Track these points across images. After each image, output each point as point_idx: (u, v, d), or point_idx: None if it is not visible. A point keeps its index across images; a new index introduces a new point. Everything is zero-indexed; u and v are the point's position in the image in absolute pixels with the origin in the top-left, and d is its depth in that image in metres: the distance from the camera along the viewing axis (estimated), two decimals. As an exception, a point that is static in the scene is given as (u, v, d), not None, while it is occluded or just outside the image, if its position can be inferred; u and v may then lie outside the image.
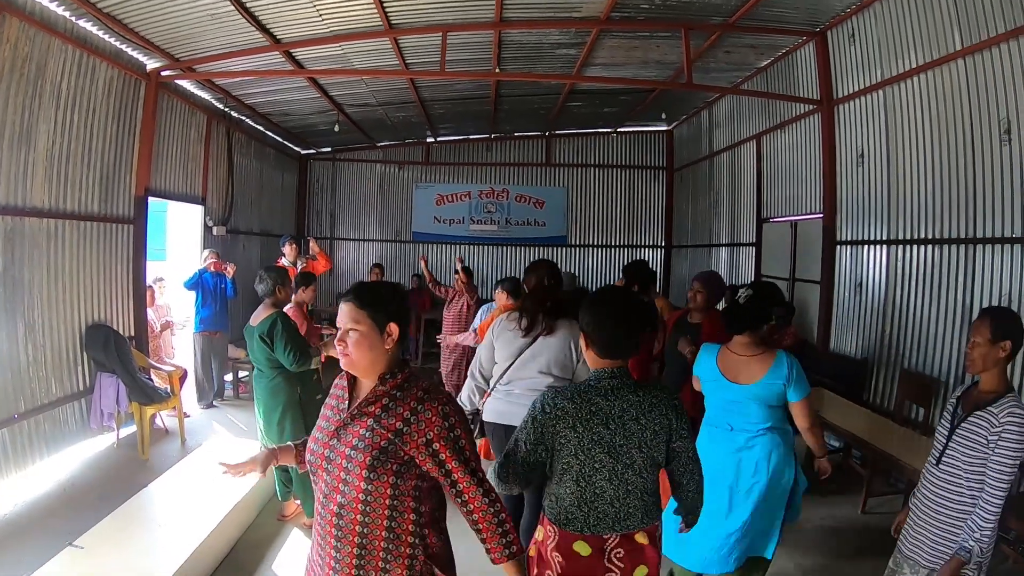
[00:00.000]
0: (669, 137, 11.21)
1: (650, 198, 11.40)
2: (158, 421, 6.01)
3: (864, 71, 5.56)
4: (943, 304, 4.75)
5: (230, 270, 6.88)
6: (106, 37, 5.46)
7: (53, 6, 4.80)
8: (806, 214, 6.68)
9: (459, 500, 1.80)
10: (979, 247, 4.41)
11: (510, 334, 3.35)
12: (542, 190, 11.44)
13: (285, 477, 4.26)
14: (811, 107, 6.36)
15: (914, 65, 4.92)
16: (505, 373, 3.35)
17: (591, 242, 11.42)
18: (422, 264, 7.66)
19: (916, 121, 4.99)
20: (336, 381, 1.89)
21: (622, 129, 11.10)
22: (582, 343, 2.12)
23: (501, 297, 4.79)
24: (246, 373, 7.39)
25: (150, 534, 3.54)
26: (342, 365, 1.79)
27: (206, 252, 7.06)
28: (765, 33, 6.24)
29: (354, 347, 1.74)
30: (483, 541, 1.83)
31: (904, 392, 4.91)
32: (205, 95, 7.55)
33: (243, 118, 8.60)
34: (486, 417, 3.44)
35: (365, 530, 1.74)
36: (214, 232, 7.90)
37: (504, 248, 11.41)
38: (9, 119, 4.56)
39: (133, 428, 5.62)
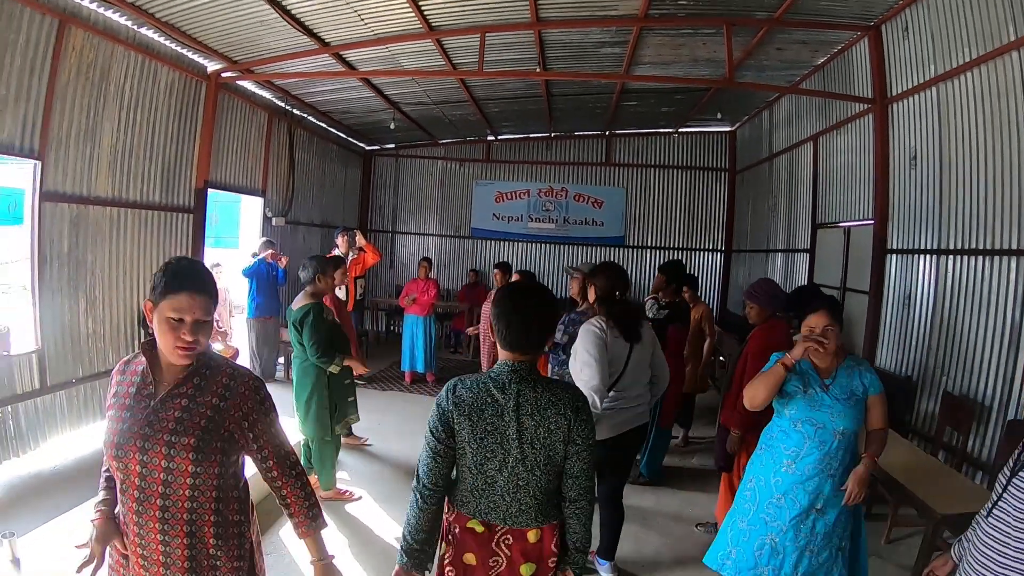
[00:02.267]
0: (732, 138, 10.82)
1: (711, 200, 11.05)
2: None
3: (918, 67, 5.18)
4: (992, 322, 4.37)
5: (283, 261, 7.34)
6: (166, 43, 5.87)
7: (115, 16, 5.22)
8: (859, 220, 6.30)
9: (269, 476, 1.85)
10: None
11: (619, 342, 3.39)
12: (601, 190, 11.32)
13: (307, 451, 4.47)
14: (865, 106, 5.99)
15: (968, 59, 4.54)
16: (619, 381, 3.41)
17: (649, 243, 11.19)
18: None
19: (969, 120, 4.60)
20: (124, 367, 1.83)
21: (684, 129, 10.80)
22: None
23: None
24: (297, 356, 7.78)
25: None
26: (183, 358, 1.72)
27: (262, 241, 7.49)
28: (815, 28, 5.91)
29: (203, 337, 1.72)
30: (291, 516, 1.89)
31: (944, 416, 4.53)
32: (266, 95, 7.94)
33: (305, 116, 8.98)
34: (605, 434, 3.33)
35: (193, 516, 1.72)
36: (273, 223, 8.32)
37: (561, 247, 11.37)
38: (76, 118, 5.05)
39: None
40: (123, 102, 5.55)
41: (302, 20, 5.75)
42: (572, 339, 4.36)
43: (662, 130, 10.90)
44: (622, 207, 11.25)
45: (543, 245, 11.41)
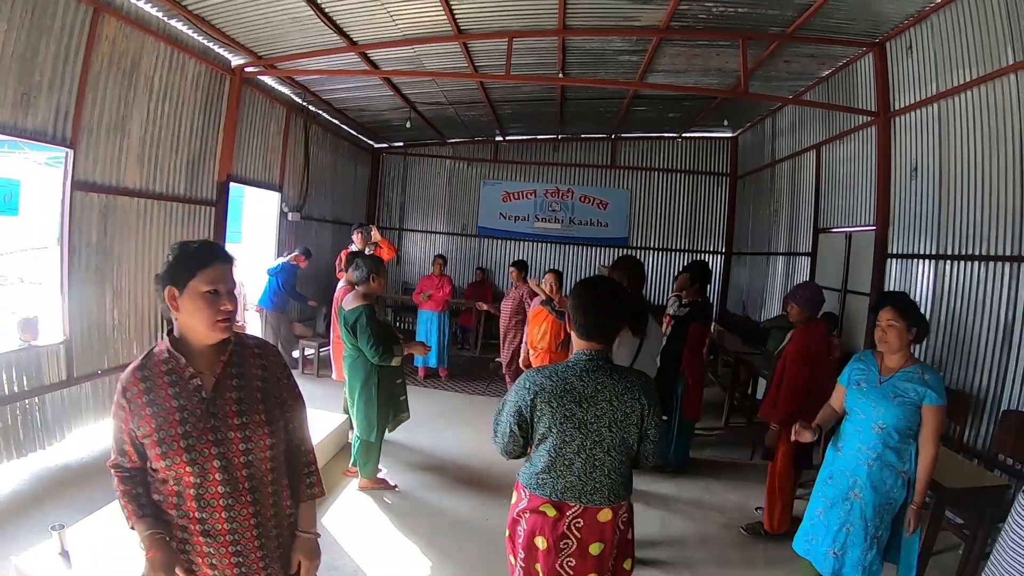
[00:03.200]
0: (734, 144, 11.18)
1: (712, 204, 11.41)
2: None
3: (920, 84, 5.53)
4: (986, 322, 4.72)
5: (303, 266, 7.73)
6: (194, 35, 6.00)
7: (147, 7, 5.33)
8: (860, 226, 6.66)
9: (291, 438, 1.90)
10: (1024, 265, 4.39)
11: (628, 335, 3.48)
12: (606, 191, 11.64)
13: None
14: (868, 119, 6.35)
15: (968, 79, 4.90)
16: None
17: (652, 245, 11.53)
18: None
19: (968, 135, 4.95)
20: (141, 374, 1.72)
21: (687, 134, 11.15)
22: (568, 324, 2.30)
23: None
24: (311, 351, 8.02)
25: None
26: (224, 331, 1.72)
27: (297, 251, 7.79)
28: (823, 43, 6.26)
29: (236, 308, 1.74)
30: (307, 475, 1.94)
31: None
32: (285, 90, 8.15)
33: (320, 112, 9.20)
34: None
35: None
36: (289, 218, 8.54)
37: (566, 247, 11.66)
38: (107, 108, 5.10)
39: None
40: (152, 93, 5.58)
41: (334, 18, 5.94)
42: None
43: (666, 134, 11.23)
44: (626, 209, 11.57)
45: (549, 245, 11.70)
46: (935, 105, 5.35)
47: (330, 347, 6.04)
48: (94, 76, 4.89)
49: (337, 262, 7.50)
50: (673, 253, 11.44)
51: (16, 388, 4.52)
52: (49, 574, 2.86)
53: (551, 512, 2.18)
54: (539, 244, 11.73)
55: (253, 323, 8.01)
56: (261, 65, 6.79)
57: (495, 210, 11.80)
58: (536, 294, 6.88)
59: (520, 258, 9.21)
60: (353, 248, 7.49)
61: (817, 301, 4.25)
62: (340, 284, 5.72)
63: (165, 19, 5.59)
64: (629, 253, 11.20)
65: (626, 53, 6.98)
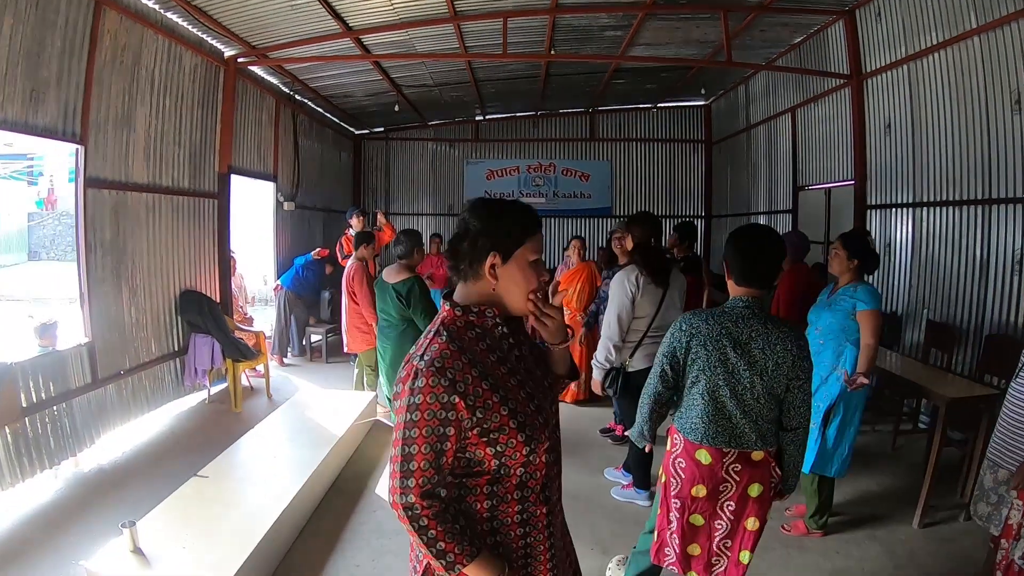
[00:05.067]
0: (707, 111, 11.61)
1: (690, 170, 11.85)
2: (243, 380, 6.47)
3: (890, 47, 5.98)
4: (963, 260, 5.23)
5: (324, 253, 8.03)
6: (188, 27, 5.98)
7: None
8: (839, 181, 7.15)
9: None
10: (994, 207, 4.88)
11: (651, 287, 3.81)
12: (587, 164, 11.98)
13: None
14: (842, 81, 6.80)
15: (935, 42, 5.35)
16: (654, 321, 3.84)
17: (635, 213, 11.90)
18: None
19: (937, 94, 5.42)
20: (452, 336, 1.42)
21: (661, 104, 11.53)
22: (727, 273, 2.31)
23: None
24: (318, 338, 8.20)
25: (265, 465, 4.03)
26: (532, 306, 1.50)
27: (317, 249, 8.05)
28: (797, 13, 6.65)
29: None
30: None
31: (929, 340, 5.40)
32: (274, 80, 8.23)
33: (306, 101, 9.29)
34: (638, 365, 3.85)
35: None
36: (285, 207, 8.65)
37: (553, 220, 11.95)
38: (113, 103, 5.04)
39: (222, 386, 6.28)
40: (153, 87, 5.55)
41: (331, 3, 6.00)
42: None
43: (642, 106, 11.60)
44: (608, 179, 11.94)
45: (535, 218, 11.97)
46: (905, 67, 5.81)
47: (343, 323, 6.18)
48: (99, 71, 4.83)
49: (338, 248, 7.70)
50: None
51: (43, 395, 4.37)
52: (126, 572, 2.81)
53: (706, 459, 2.22)
54: (525, 219, 11.98)
55: (256, 313, 8.18)
56: (254, 55, 6.86)
57: (480, 188, 12.04)
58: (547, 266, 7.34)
59: None
60: (351, 232, 7.69)
61: (800, 247, 4.72)
62: (350, 261, 5.91)
63: (162, 11, 5.56)
64: (614, 220, 11.73)
65: (612, 28, 7.27)
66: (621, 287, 3.81)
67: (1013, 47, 4.56)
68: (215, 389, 6.36)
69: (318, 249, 8.00)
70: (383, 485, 4.43)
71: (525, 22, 6.90)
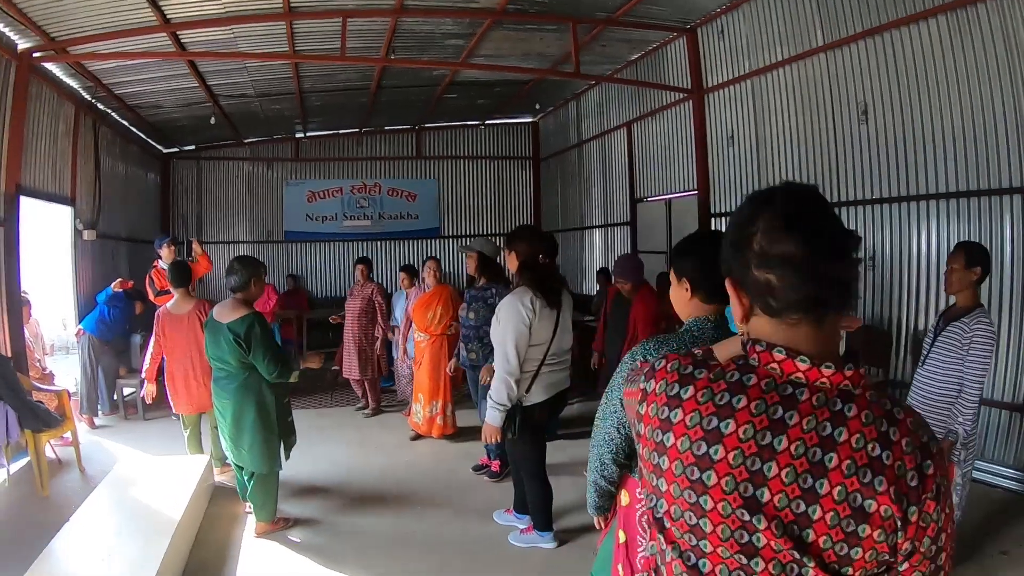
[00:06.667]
0: (535, 128, 11.77)
1: (518, 187, 11.90)
2: (47, 451, 5.08)
3: (733, 63, 6.32)
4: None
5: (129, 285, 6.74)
6: None
7: None
8: (680, 192, 7.44)
9: None
10: (845, 208, 5.21)
11: (547, 311, 3.38)
12: (413, 183, 11.51)
13: (244, 483, 3.94)
14: (682, 96, 7.09)
15: (780, 58, 5.71)
16: (550, 347, 3.43)
17: (463, 232, 11.64)
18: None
19: (782, 106, 5.80)
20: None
21: (489, 121, 11.46)
22: (680, 290, 1.90)
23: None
24: (131, 391, 6.70)
25: (95, 571, 3.05)
26: None
27: (118, 279, 6.62)
28: (642, 28, 6.83)
29: None
30: None
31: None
32: (74, 83, 6.79)
33: (109, 111, 7.79)
34: (537, 398, 3.45)
35: None
36: (84, 236, 7.07)
37: (378, 243, 11.32)
38: None
39: (23, 462, 4.88)
40: None
41: None
42: (479, 316, 4.61)
43: (469, 123, 11.42)
44: (435, 199, 11.57)
45: (360, 243, 11.21)
46: (748, 82, 6.16)
47: (148, 380, 5.01)
48: None
49: (147, 282, 6.35)
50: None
51: None
52: None
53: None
54: (349, 243, 11.23)
55: (56, 366, 6.51)
56: (52, 49, 5.58)
57: (300, 212, 11.02)
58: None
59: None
60: (161, 264, 6.43)
61: (641, 267, 4.88)
62: (171, 303, 4.82)
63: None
64: (442, 240, 11.34)
65: (454, 36, 6.95)
66: (515, 313, 3.32)
67: (859, 63, 4.97)
68: (14, 467, 4.86)
69: (119, 280, 6.55)
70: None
71: (366, 23, 6.34)
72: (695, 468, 0.95)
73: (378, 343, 6.51)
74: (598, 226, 9.50)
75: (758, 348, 0.97)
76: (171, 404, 4.86)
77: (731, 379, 0.97)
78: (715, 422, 0.95)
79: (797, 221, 0.93)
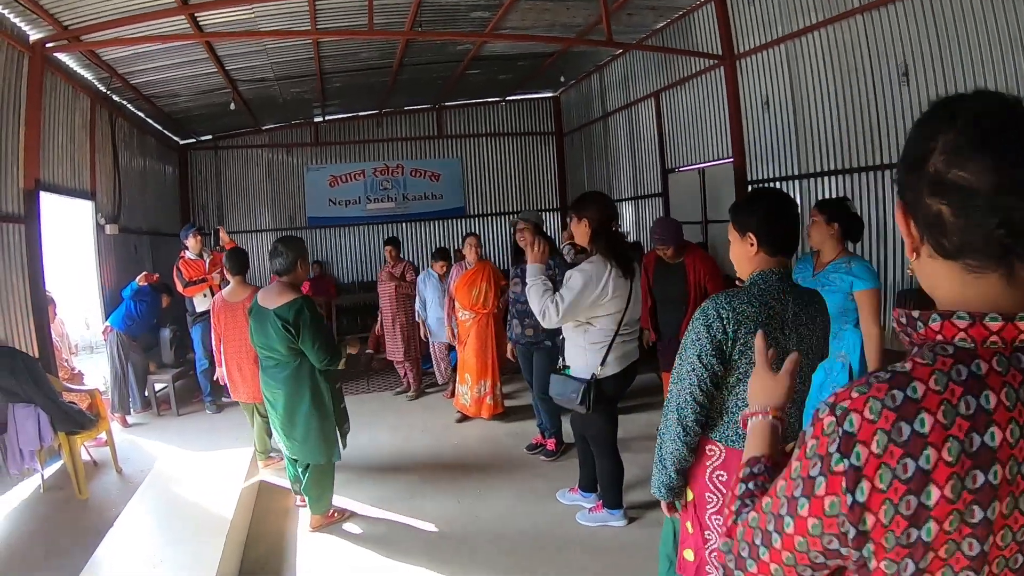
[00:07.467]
0: (556, 103, 11.61)
1: (542, 163, 11.80)
2: (83, 454, 4.91)
3: (766, 28, 6.14)
4: (855, 224, 5.47)
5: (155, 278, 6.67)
6: None
7: None
8: (714, 160, 7.30)
9: None
10: (887, 172, 5.10)
11: (620, 280, 3.27)
12: (436, 163, 11.43)
13: (296, 474, 3.92)
14: (713, 62, 6.92)
15: (814, 21, 5.54)
16: (624, 317, 3.34)
17: (489, 211, 11.59)
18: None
19: (819, 69, 5.63)
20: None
21: (510, 98, 11.32)
22: (744, 245, 1.94)
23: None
24: (162, 386, 6.72)
25: None
26: None
27: (143, 274, 6.53)
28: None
29: None
30: None
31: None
32: (88, 74, 6.74)
33: (124, 102, 7.76)
34: (611, 370, 3.36)
35: None
36: (107, 231, 7.07)
37: (403, 224, 11.28)
38: None
39: (57, 465, 4.82)
40: None
41: None
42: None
43: (490, 99, 11.28)
44: (459, 177, 11.49)
45: (385, 225, 11.19)
46: (783, 46, 5.99)
47: (217, 365, 4.99)
48: None
49: (174, 273, 6.35)
50: (510, 216, 11.55)
51: None
52: None
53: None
54: (374, 227, 11.20)
55: (83, 365, 6.52)
56: (66, 38, 5.49)
57: (323, 197, 10.99)
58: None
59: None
60: (188, 255, 6.43)
61: (678, 227, 4.64)
62: (227, 290, 4.78)
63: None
64: (468, 220, 11.27)
65: (480, 9, 6.82)
66: (594, 281, 3.20)
67: (899, 23, 4.80)
68: (48, 471, 4.77)
69: (143, 274, 6.48)
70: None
71: (391, -1, 6.18)
72: (976, 507, 0.72)
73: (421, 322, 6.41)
74: (628, 199, 9.38)
75: (933, 323, 0.78)
76: (229, 393, 4.87)
77: (958, 377, 0.74)
78: (978, 439, 0.72)
79: (990, 138, 0.73)
